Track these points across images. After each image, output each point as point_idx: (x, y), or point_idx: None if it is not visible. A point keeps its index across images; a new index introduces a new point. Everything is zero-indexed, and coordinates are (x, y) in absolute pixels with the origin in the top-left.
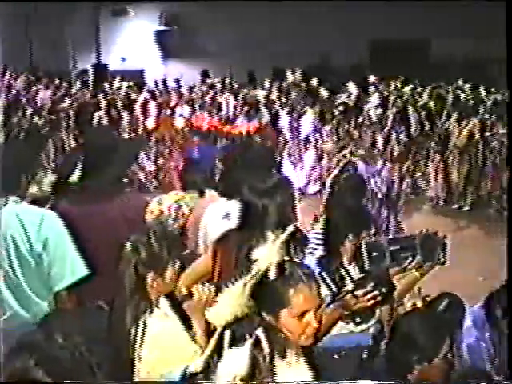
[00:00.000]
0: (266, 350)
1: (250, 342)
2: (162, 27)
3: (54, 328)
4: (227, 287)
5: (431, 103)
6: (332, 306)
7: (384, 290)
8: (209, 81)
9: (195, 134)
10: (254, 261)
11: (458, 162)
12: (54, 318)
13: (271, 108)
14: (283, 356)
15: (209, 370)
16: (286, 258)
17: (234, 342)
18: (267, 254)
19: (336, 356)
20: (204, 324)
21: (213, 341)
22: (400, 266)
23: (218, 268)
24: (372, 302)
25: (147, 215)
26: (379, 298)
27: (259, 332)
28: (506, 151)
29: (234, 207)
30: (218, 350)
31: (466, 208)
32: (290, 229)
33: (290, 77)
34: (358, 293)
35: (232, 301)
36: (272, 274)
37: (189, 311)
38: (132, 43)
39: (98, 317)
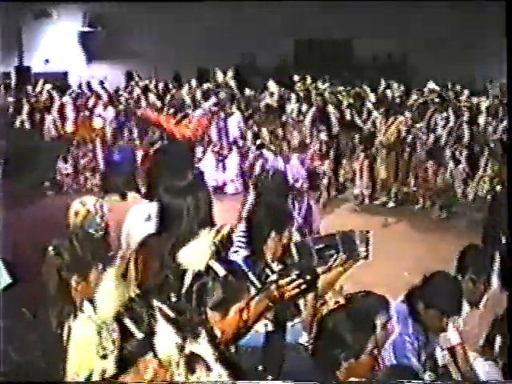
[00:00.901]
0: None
1: (159, 317)
2: (86, 28)
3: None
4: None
5: (354, 102)
6: (257, 298)
7: (308, 277)
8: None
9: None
10: (184, 260)
11: (386, 159)
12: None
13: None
14: (193, 371)
15: (126, 368)
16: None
17: (138, 325)
18: (200, 253)
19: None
20: None
21: (114, 339)
22: (326, 265)
23: (140, 273)
24: (297, 290)
25: (72, 218)
26: (303, 287)
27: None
28: (507, 149)
29: (154, 209)
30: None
31: (392, 204)
32: (227, 228)
33: (216, 77)
34: (282, 282)
35: (110, 295)
36: (221, 272)
37: None
38: (55, 45)
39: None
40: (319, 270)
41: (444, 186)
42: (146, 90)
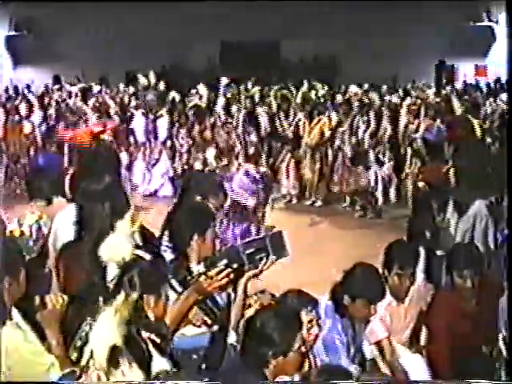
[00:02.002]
0: None
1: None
2: (12, 32)
3: None
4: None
5: (281, 103)
6: (185, 292)
7: (235, 265)
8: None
9: None
10: (106, 255)
11: (310, 160)
12: None
13: (126, 111)
14: (116, 366)
15: None
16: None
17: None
18: (122, 243)
19: (195, 356)
20: (58, 334)
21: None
22: (257, 268)
23: (62, 279)
24: (226, 279)
25: (7, 234)
26: (232, 276)
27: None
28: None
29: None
30: None
31: (319, 204)
32: (139, 219)
33: (143, 79)
34: (211, 273)
35: (110, 328)
36: (147, 256)
37: (42, 322)
38: None
39: None
40: (250, 273)
41: (367, 186)
42: (84, 93)
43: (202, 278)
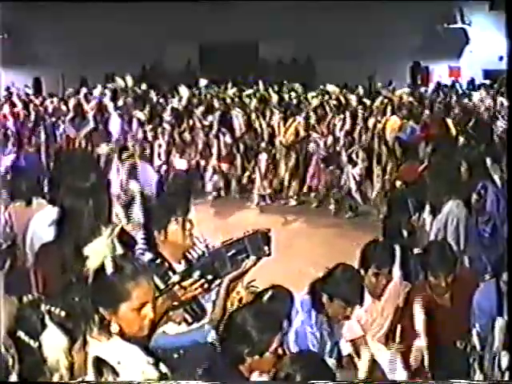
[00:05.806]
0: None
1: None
2: None
3: None
4: None
5: (258, 104)
6: (160, 298)
7: (210, 277)
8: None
9: None
10: (86, 258)
11: (285, 160)
12: None
13: (104, 112)
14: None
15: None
16: (120, 252)
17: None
18: (99, 249)
19: (175, 355)
20: None
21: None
22: (238, 269)
23: (41, 282)
24: (200, 290)
25: None
26: (206, 286)
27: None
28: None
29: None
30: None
31: (293, 203)
32: (123, 223)
33: (120, 81)
34: (186, 283)
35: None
36: (109, 269)
37: None
38: None
39: None
40: (231, 275)
41: (341, 185)
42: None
43: (176, 287)
